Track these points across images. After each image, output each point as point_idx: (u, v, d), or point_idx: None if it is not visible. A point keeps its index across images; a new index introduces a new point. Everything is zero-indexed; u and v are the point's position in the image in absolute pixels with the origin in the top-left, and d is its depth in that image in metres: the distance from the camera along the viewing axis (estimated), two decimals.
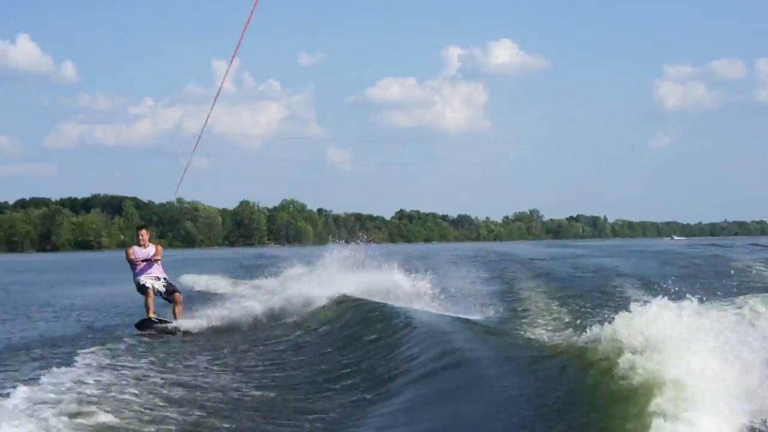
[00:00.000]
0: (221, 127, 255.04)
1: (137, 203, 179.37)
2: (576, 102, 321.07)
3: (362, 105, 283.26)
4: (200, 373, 11.18)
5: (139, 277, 16.93)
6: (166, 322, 16.69)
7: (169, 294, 17.10)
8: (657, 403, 5.33)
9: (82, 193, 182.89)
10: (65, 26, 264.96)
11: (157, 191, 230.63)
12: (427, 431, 7.45)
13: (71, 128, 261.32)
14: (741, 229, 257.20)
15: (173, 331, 16.30)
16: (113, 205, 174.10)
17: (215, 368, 11.78)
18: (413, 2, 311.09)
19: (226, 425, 8.00)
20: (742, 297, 14.05)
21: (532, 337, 12.40)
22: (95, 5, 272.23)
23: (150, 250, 17.07)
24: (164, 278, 17.16)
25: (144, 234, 17.14)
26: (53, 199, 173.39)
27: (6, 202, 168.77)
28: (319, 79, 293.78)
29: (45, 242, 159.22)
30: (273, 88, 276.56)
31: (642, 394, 5.59)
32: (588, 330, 7.61)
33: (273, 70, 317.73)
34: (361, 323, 14.79)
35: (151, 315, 16.58)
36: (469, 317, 15.14)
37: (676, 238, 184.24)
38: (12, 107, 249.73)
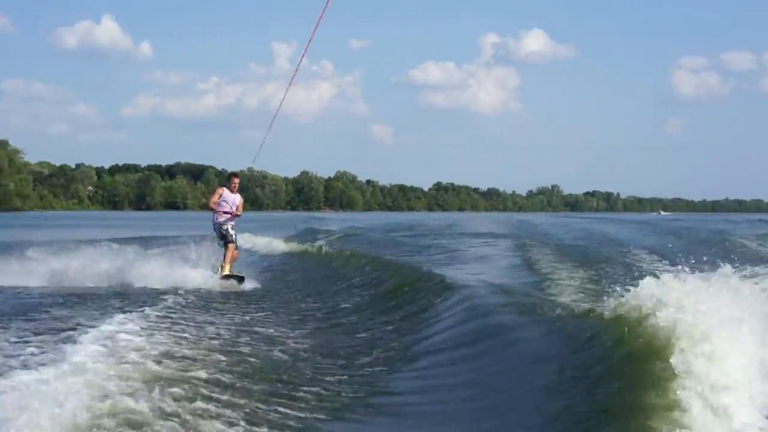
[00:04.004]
0: (276, 102, 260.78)
1: (215, 171, 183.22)
2: (599, 88, 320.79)
3: (405, 86, 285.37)
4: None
5: (221, 220, 15.42)
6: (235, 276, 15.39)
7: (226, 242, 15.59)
8: (678, 359, 4.88)
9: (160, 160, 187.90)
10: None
11: (225, 159, 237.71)
12: (458, 385, 7.08)
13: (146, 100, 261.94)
14: (740, 206, 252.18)
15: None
16: (193, 172, 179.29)
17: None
18: None
19: (243, 384, 6.85)
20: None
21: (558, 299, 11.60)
22: None
23: (237, 198, 15.64)
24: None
25: (236, 182, 15.74)
26: (141, 165, 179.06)
27: (102, 167, 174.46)
28: (366, 62, 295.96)
29: (141, 202, 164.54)
30: (326, 68, 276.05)
31: (665, 353, 5.03)
32: (613, 294, 6.74)
33: (326, 53, 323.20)
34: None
35: (228, 269, 15.21)
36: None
37: (663, 213, 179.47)
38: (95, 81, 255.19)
